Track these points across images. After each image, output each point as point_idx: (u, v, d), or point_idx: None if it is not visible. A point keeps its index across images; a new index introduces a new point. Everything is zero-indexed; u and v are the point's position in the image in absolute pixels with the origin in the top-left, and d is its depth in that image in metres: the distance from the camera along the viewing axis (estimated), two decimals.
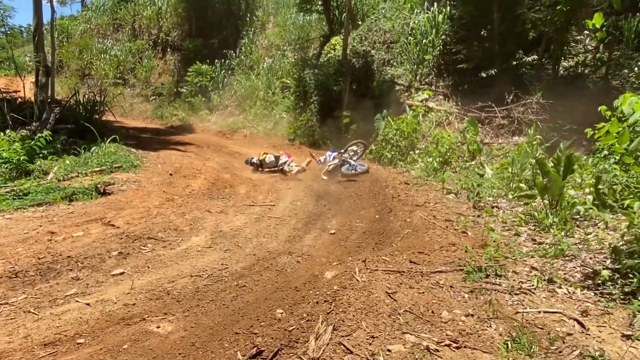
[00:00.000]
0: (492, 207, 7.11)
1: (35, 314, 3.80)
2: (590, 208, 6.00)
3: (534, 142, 8.83)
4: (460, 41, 13.33)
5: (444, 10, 13.71)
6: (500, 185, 8.21)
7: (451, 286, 4.00)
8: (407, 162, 10.99)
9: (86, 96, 14.51)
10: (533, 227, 5.86)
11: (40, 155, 10.04)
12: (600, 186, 6.35)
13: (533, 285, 4.01)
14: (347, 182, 9.52)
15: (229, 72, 20.27)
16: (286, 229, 6.35)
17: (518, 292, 3.85)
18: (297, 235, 6.12)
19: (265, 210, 7.31)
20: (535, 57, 11.95)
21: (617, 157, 6.39)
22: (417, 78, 14.05)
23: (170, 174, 9.73)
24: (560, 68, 12.37)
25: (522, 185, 7.80)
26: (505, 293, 3.85)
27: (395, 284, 4.01)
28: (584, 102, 11.61)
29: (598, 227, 5.55)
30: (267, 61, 19.14)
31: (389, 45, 15.47)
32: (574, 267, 4.40)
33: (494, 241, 5.21)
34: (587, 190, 6.36)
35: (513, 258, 4.71)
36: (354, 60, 15.02)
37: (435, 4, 14.12)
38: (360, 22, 17.11)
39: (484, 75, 12.29)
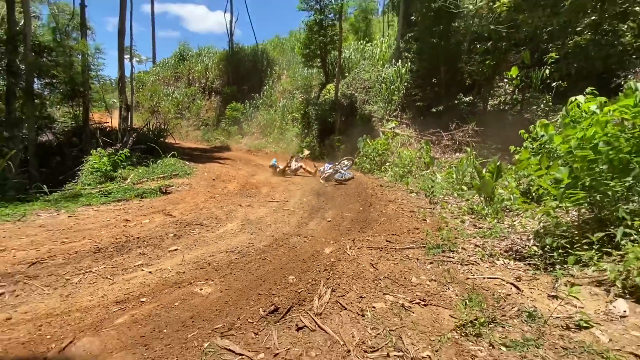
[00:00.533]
0: (442, 202, 6.90)
1: (111, 279, 3.56)
2: (514, 202, 5.80)
3: (471, 157, 8.61)
4: (417, 86, 13.18)
5: (406, 64, 13.56)
6: (447, 187, 7.99)
7: (417, 259, 3.77)
8: (381, 171, 10.76)
9: (154, 126, 14.22)
10: (474, 217, 5.64)
11: (122, 166, 9.83)
12: (520, 187, 6.15)
13: (478, 258, 3.79)
14: (339, 185, 9.28)
15: (255, 108, 20.04)
16: (295, 218, 6.10)
17: (467, 263, 3.62)
18: (304, 222, 5.88)
19: (281, 204, 7.06)
20: (470, 98, 11.79)
21: None
22: (387, 112, 13.86)
23: (213, 179, 9.47)
24: (488, 105, 12.22)
25: (463, 187, 7.59)
26: (458, 264, 3.62)
27: (377, 257, 3.78)
28: (506, 129, 11.43)
29: (521, 217, 5.34)
30: (282, 101, 18.94)
31: (367, 90, 15.30)
32: (507, 245, 4.18)
33: (446, 226, 4.99)
34: (511, 189, 6.15)
35: (461, 238, 4.49)
36: (343, 100, 14.83)
37: (400, 60, 13.98)
38: (347, 74, 16.94)
39: (434, 110, 12.13)
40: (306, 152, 12.14)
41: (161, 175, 9.33)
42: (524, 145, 6.63)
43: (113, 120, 17.11)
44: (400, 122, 13.21)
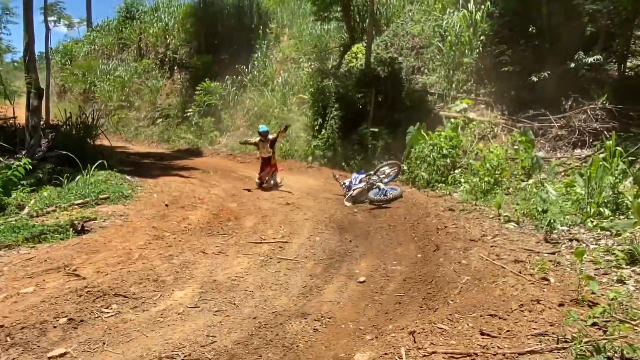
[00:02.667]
0: (571, 240, 5.72)
1: None
2: None
3: (610, 156, 7.37)
4: (503, 41, 12.04)
5: (483, 5, 12.49)
6: (572, 210, 6.82)
7: None
8: (448, 184, 9.64)
9: (81, 119, 13.58)
10: None
11: (19, 186, 9.08)
12: None
13: None
14: (378, 210, 8.22)
15: (241, 89, 19.31)
16: (300, 277, 5.06)
17: None
18: (315, 285, 4.83)
19: (275, 249, 6.04)
20: (599, 56, 10.53)
21: None
22: (454, 86, 12.79)
23: (166, 205, 8.58)
24: (627, 68, 10.97)
25: (604, 210, 6.39)
26: None
27: None
28: None
29: None
30: (282, 76, 18.14)
31: (418, 51, 14.29)
32: None
33: (595, 295, 3.83)
34: None
35: (634, 322, 3.33)
36: (379, 69, 13.81)
37: (472, 0, 12.92)
38: (384, 28, 16.00)
39: (534, 79, 10.96)
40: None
41: (80, 201, 8.50)
42: None
43: (21, 113, 16.60)
44: (475, 102, 12.09)
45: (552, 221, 5.97)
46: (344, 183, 9.75)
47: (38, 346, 3.57)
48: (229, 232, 6.92)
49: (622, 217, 6.37)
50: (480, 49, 12.38)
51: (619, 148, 7.15)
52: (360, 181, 9.35)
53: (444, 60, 13.22)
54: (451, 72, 12.90)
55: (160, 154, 16.94)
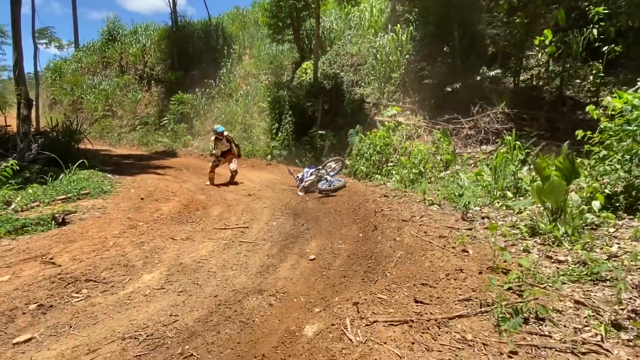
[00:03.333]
0: (483, 218, 5.61)
1: None
2: (599, 214, 4.55)
3: (511, 149, 7.37)
4: (424, 59, 12.00)
5: (407, 30, 12.38)
6: (482, 194, 6.76)
7: (484, 344, 2.41)
8: (382, 175, 9.46)
9: (65, 126, 12.52)
10: (541, 241, 4.35)
11: (8, 184, 8.19)
12: (605, 189, 4.91)
13: (597, 334, 2.45)
14: (326, 198, 7.91)
15: (210, 99, 18.52)
16: (259, 257, 4.67)
17: (586, 351, 2.28)
18: (271, 264, 4.46)
19: (237, 233, 5.62)
20: (499, 71, 10.64)
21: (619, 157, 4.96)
22: (385, 96, 12.64)
23: (142, 198, 7.94)
24: (519, 81, 11.14)
25: (507, 192, 6.35)
26: (568, 353, 2.27)
27: (406, 344, 2.40)
28: (545, 111, 10.42)
29: (619, 239, 4.07)
30: (245, 88, 17.51)
31: (356, 68, 14.07)
32: (627, 299, 2.86)
33: (507, 262, 3.66)
34: (589, 194, 4.89)
35: (542, 286, 3.16)
36: (325, 82, 13.53)
37: (398, 24, 12.79)
38: (328, 48, 15.70)
39: (448, 89, 10.95)
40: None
41: (63, 197, 7.73)
42: (602, 125, 5.44)
43: (14, 122, 15.24)
44: (403, 108, 12.00)
45: (467, 203, 5.86)
46: (298, 176, 9.39)
47: (5, 332, 3.04)
48: (197, 220, 6.42)
49: (521, 198, 6.36)
50: (406, 65, 12.27)
51: (518, 143, 7.11)
52: (311, 174, 9.01)
53: (377, 75, 13.04)
54: (383, 84, 12.74)
55: (140, 155, 15.93)
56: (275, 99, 13.28)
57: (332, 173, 9.32)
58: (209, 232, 5.69)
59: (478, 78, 10.80)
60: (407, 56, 12.36)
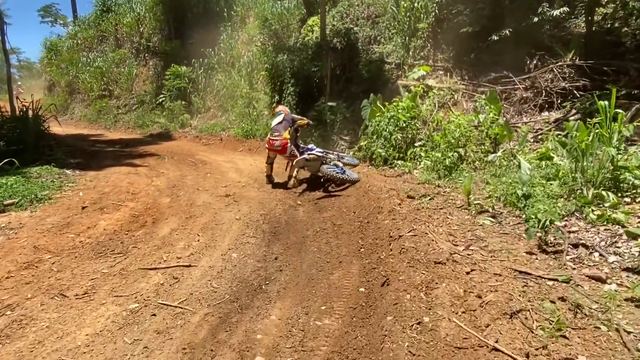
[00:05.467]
0: (576, 247, 3.35)
1: None
2: None
3: (602, 120, 4.91)
4: (460, 1, 9.35)
5: None
6: (558, 191, 4.45)
7: None
8: (407, 160, 7.17)
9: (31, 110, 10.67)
10: None
11: None
12: None
13: None
14: (324, 201, 5.80)
15: (209, 71, 16.42)
16: (165, 355, 2.64)
17: None
18: None
19: (169, 281, 3.62)
20: (565, 9, 7.94)
21: None
22: (410, 53, 10.14)
23: (84, 207, 6.07)
24: (593, 23, 8.40)
25: (606, 193, 4.03)
26: None
27: None
28: (632, 60, 7.76)
29: None
30: (247, 55, 15.29)
31: (373, 20, 11.55)
32: None
33: None
34: None
35: None
36: (335, 40, 11.14)
37: None
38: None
39: (494, 38, 8.38)
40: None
41: None
42: None
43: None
44: (434, 67, 9.51)
45: (544, 220, 3.57)
46: (302, 147, 7.30)
47: None
48: (128, 248, 4.46)
49: (627, 200, 4.07)
50: (436, 11, 9.69)
51: (620, 111, 4.64)
52: (319, 152, 7.00)
53: (399, 28, 10.51)
54: (407, 39, 10.22)
55: (129, 140, 14.14)
56: (273, 65, 11.02)
57: (349, 159, 7.26)
58: (127, 278, 3.71)
59: (535, 20, 8.13)
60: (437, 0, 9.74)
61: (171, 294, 3.34)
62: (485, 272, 2.94)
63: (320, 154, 6.91)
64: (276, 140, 7.06)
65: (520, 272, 2.97)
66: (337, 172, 6.33)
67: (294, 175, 6.95)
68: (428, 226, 3.84)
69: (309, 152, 6.94)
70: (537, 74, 8.12)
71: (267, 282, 3.46)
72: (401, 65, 10.15)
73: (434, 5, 9.76)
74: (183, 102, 16.00)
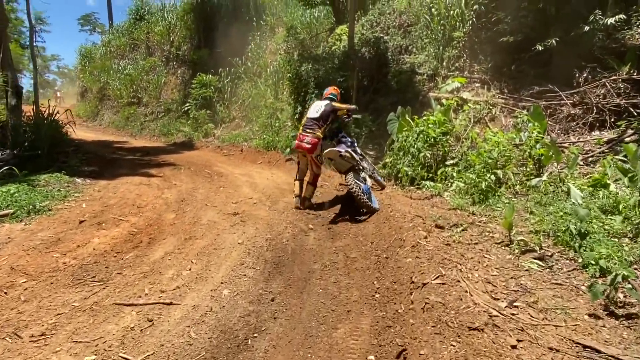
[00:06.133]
0: None
1: None
2: None
3: None
4: (500, 7, 8.57)
5: None
6: (622, 228, 3.66)
7: None
8: (437, 181, 6.41)
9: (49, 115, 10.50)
10: None
11: None
12: None
13: None
14: (340, 226, 5.15)
15: (235, 80, 16.13)
16: None
17: None
18: None
19: (140, 323, 3.03)
20: (621, 16, 7.06)
21: None
22: (444, 64, 9.40)
23: (81, 221, 5.64)
24: None
25: None
26: None
27: None
28: None
29: None
30: (274, 65, 14.89)
31: (405, 29, 10.87)
32: None
33: None
34: None
35: None
36: (364, 49, 10.53)
37: None
38: (371, 7, 12.55)
39: (539, 48, 7.55)
40: None
41: None
42: None
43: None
44: (470, 79, 8.74)
45: (614, 276, 2.77)
46: (343, 137, 6.51)
47: None
48: (112, 275, 3.92)
49: None
50: (473, 19, 8.93)
51: None
52: (357, 154, 6.19)
53: (433, 37, 9.80)
54: (441, 48, 9.50)
55: (151, 148, 13.91)
56: (297, 75, 10.49)
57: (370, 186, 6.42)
58: (96, 317, 3.16)
59: (586, 29, 7.27)
60: (474, 7, 9.00)
61: (138, 344, 2.74)
62: (537, 344, 2.20)
63: (356, 157, 5.96)
64: (307, 135, 6.06)
65: (585, 346, 2.22)
66: (362, 192, 5.41)
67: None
68: (460, 270, 3.11)
69: (347, 148, 5.95)
70: (587, 88, 7.24)
71: (256, 335, 2.82)
72: (434, 76, 9.43)
73: (472, 13, 9.01)
74: (208, 111, 15.74)
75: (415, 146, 6.75)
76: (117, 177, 8.70)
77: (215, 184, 8.07)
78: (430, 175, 6.60)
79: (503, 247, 3.73)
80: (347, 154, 5.75)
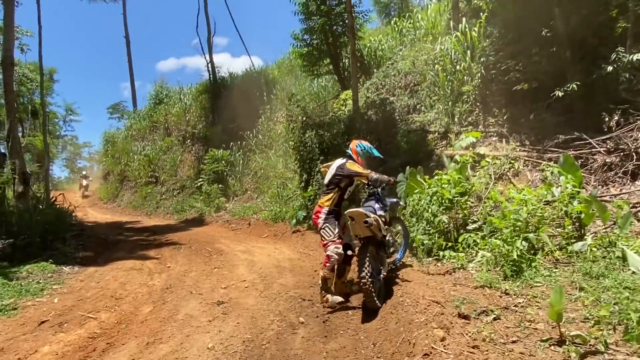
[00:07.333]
0: None
1: None
2: None
3: None
4: (509, 56, 7.90)
5: (477, 22, 8.52)
6: None
7: None
8: (458, 250, 5.33)
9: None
10: None
11: None
12: None
13: None
14: (337, 318, 4.11)
15: (247, 153, 15.83)
16: None
17: None
18: None
19: None
20: None
21: None
22: (456, 120, 8.65)
23: (42, 322, 4.78)
24: None
25: None
26: None
27: None
28: None
29: None
30: (283, 134, 14.55)
31: (412, 89, 10.32)
32: None
33: None
34: None
35: None
36: (370, 112, 9.98)
37: (464, 19, 8.99)
38: (375, 71, 12.23)
39: (558, 93, 6.71)
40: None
41: None
42: None
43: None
44: (485, 133, 7.89)
45: None
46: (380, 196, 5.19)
47: None
48: None
49: None
50: (482, 70, 8.28)
51: None
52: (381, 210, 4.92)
53: (441, 93, 9.16)
54: (451, 104, 8.81)
55: (160, 227, 13.32)
56: (300, 143, 9.90)
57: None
58: None
59: (609, 69, 6.44)
60: (482, 59, 8.40)
61: None
62: None
63: (383, 230, 4.58)
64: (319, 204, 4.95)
65: None
66: (373, 278, 4.09)
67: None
68: None
69: (381, 212, 4.76)
70: (621, 133, 6.27)
71: None
72: (446, 133, 8.64)
73: (479, 65, 8.39)
74: (220, 185, 15.30)
75: (430, 210, 5.76)
76: (110, 262, 7.95)
77: (211, 264, 7.19)
78: (450, 243, 5.53)
79: (553, 348, 2.63)
80: (375, 222, 4.33)
